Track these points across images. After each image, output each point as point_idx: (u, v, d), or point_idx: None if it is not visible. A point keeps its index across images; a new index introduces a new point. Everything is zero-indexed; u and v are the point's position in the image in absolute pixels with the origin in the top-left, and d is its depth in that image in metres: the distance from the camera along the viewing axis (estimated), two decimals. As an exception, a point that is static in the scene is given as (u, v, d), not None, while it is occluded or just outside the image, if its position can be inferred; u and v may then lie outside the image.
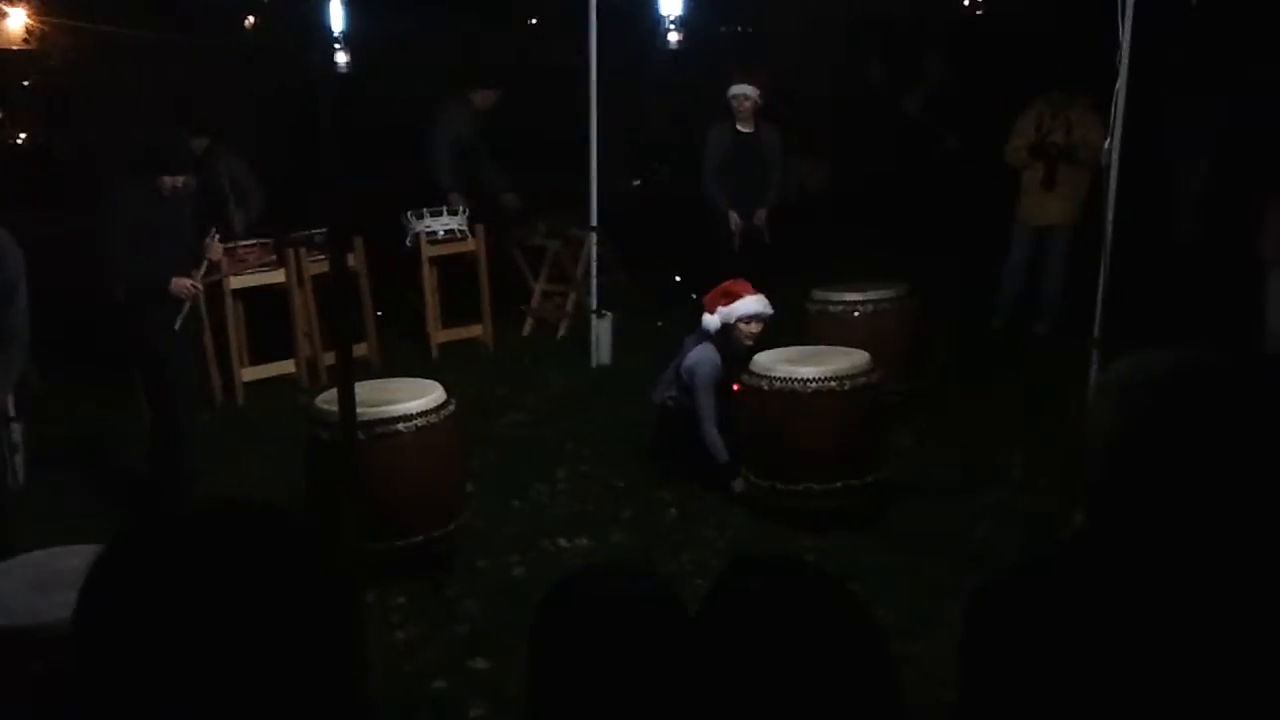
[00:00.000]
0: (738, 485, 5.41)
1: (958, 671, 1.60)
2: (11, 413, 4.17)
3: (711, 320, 5.56)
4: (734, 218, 7.52)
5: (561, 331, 8.44)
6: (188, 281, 5.27)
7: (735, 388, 5.44)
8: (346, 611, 1.19)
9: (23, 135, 11.04)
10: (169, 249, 5.22)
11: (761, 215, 7.54)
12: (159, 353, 5.22)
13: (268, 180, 7.77)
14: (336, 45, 9.24)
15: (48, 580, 2.92)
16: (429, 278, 8.04)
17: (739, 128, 7.42)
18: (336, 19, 9.78)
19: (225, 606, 1.08)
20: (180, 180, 5.17)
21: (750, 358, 5.43)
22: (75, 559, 2.90)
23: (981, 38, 11.39)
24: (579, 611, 1.59)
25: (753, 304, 5.53)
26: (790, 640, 1.48)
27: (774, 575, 1.59)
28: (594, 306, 7.77)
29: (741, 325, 5.52)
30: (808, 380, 5.08)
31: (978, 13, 13.41)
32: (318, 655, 1.13)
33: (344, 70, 10.29)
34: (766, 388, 5.15)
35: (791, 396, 5.09)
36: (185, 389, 5.35)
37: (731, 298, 5.55)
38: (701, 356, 5.55)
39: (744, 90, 7.28)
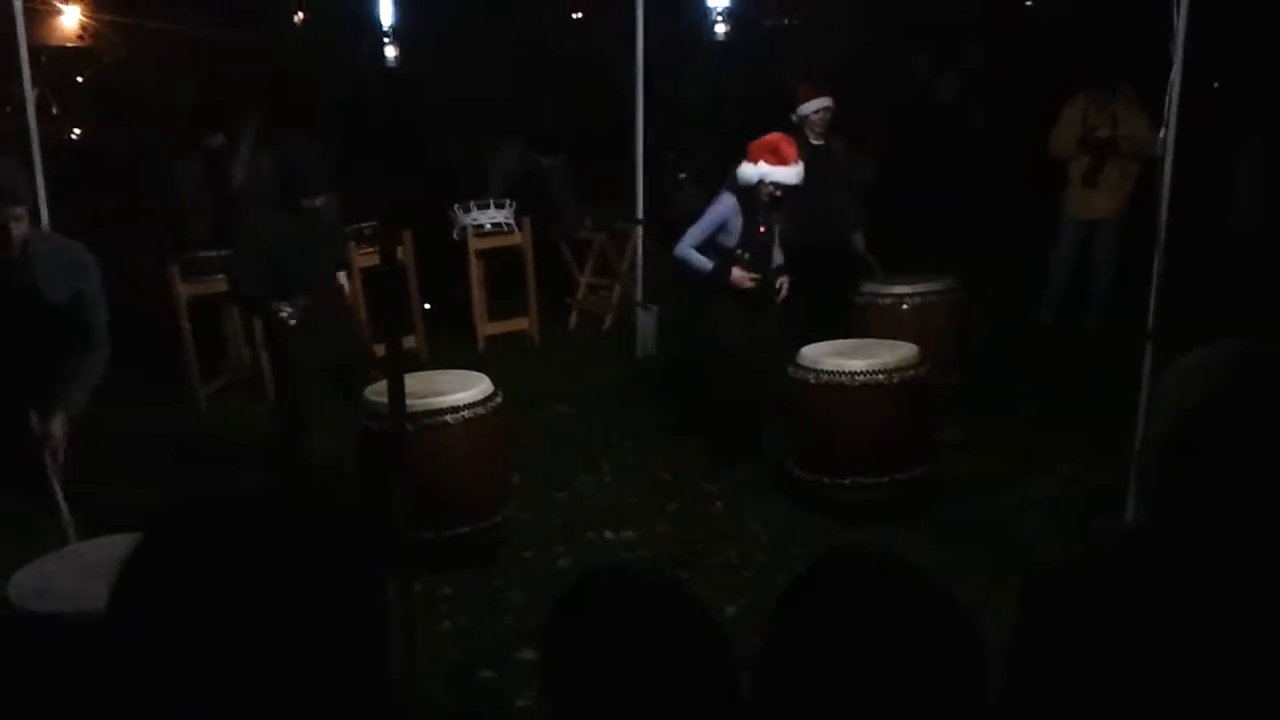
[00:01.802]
0: (736, 273, 5.57)
1: (1005, 657, 1.58)
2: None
3: (750, 171, 5.59)
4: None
5: (607, 324, 8.45)
6: (288, 312, 5.20)
7: (762, 230, 5.65)
8: (379, 608, 1.19)
9: (77, 131, 11.18)
10: (303, 267, 5.22)
11: (860, 240, 6.99)
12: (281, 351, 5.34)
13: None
14: (386, 39, 9.28)
15: (100, 567, 2.95)
16: (476, 270, 8.08)
17: (812, 141, 6.91)
18: (386, 13, 9.84)
19: (255, 600, 1.08)
20: (319, 200, 5.19)
21: (768, 212, 5.62)
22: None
23: (1029, 29, 11.28)
24: (592, 619, 1.55)
25: (793, 175, 5.59)
26: (884, 635, 1.42)
27: (870, 568, 1.53)
28: (639, 299, 7.77)
29: (771, 187, 5.58)
30: (855, 373, 5.05)
31: (1027, 3, 13.29)
32: (348, 651, 1.13)
33: (393, 64, 10.34)
34: (814, 380, 5.13)
35: (839, 390, 5.07)
36: (306, 385, 5.28)
37: (778, 158, 5.58)
38: (721, 199, 5.69)
39: (826, 103, 6.80)
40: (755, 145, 5.63)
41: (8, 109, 8.81)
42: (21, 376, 3.84)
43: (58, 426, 3.97)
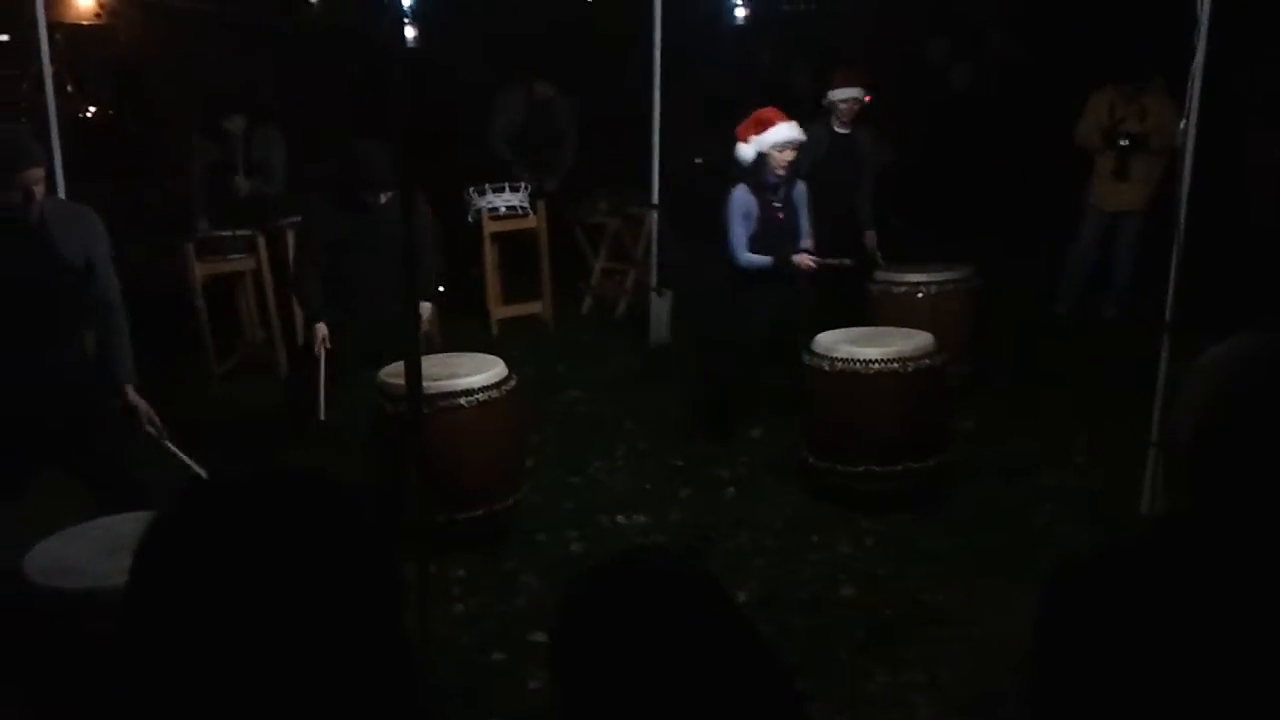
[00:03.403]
0: (798, 258, 5.62)
1: (1030, 650, 1.57)
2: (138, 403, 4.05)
3: (746, 150, 5.58)
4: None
5: (620, 309, 8.44)
6: (323, 335, 5.32)
7: (781, 216, 5.64)
8: (393, 581, 1.20)
9: (91, 109, 11.19)
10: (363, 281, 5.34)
11: (872, 238, 6.81)
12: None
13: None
14: (405, 20, 9.24)
15: (118, 544, 2.96)
16: (490, 254, 8.07)
17: (836, 129, 6.77)
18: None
19: (272, 574, 1.09)
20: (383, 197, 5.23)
21: (787, 190, 5.59)
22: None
23: (1052, 13, 11.19)
24: (606, 602, 1.48)
25: (787, 131, 5.55)
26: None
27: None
28: (653, 284, 7.76)
29: (775, 153, 5.54)
30: (870, 361, 5.03)
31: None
32: (363, 623, 1.13)
33: (412, 45, 10.30)
34: (828, 368, 5.11)
35: (853, 377, 5.05)
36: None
37: (764, 125, 5.56)
38: (730, 196, 5.66)
39: (854, 94, 6.65)
40: (740, 128, 5.65)
41: (25, 86, 8.82)
42: (49, 343, 3.84)
43: (135, 397, 4.01)
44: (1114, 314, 7.87)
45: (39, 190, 3.67)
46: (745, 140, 5.58)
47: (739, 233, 5.64)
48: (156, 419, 4.04)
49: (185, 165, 7.52)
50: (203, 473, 3.95)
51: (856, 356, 5.07)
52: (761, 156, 5.56)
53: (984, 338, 6.41)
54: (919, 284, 6.27)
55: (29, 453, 3.87)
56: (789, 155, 5.58)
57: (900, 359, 5.03)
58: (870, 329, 5.54)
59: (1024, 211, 8.56)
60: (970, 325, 6.29)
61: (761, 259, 5.64)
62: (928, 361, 5.08)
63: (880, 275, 6.41)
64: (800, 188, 5.81)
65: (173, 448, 4.04)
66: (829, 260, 5.74)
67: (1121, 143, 7.64)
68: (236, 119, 7.41)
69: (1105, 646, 1.47)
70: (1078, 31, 9.49)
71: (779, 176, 5.61)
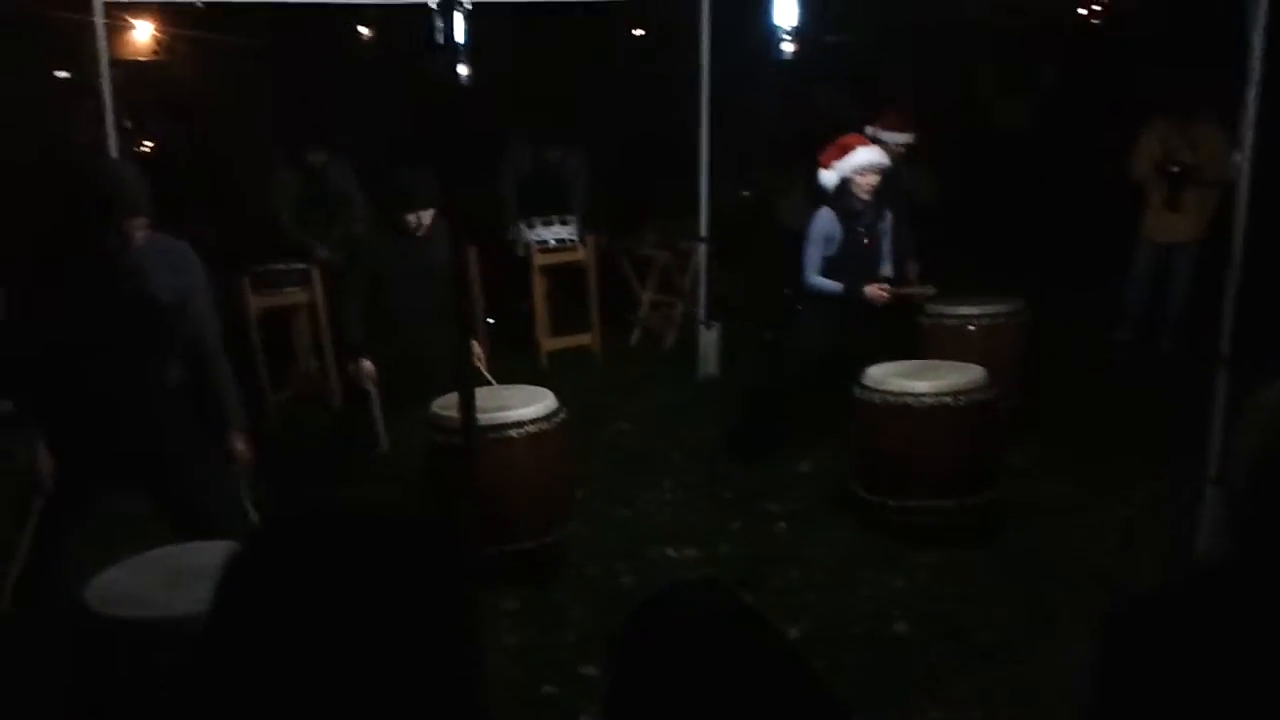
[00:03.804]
0: (870, 290, 5.64)
1: (1090, 694, 1.55)
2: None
3: (829, 176, 5.62)
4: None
5: (669, 342, 8.45)
6: (369, 370, 5.34)
7: (867, 242, 5.67)
8: (472, 615, 1.21)
9: (149, 144, 11.36)
10: (407, 304, 5.37)
11: (914, 268, 6.65)
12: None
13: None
14: (459, 57, 9.31)
15: (181, 574, 3.00)
16: (539, 286, 8.12)
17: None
18: (459, 31, 9.89)
19: (354, 607, 1.10)
20: (426, 217, 5.26)
21: (873, 217, 5.62)
22: (208, 555, 2.97)
23: (1098, 46, 11.15)
24: (657, 639, 1.49)
25: (869, 154, 5.60)
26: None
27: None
28: (702, 317, 7.76)
29: (858, 178, 5.57)
30: (922, 395, 5.00)
31: (1094, 22, 13.16)
32: (442, 658, 1.14)
33: (465, 81, 10.41)
34: (879, 402, 5.09)
35: (905, 411, 5.02)
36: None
37: (846, 150, 5.60)
38: (814, 218, 5.70)
39: (904, 138, 6.47)
40: (823, 155, 5.68)
41: (83, 121, 8.98)
42: (138, 378, 3.89)
43: (242, 445, 4.06)
44: (1169, 347, 7.78)
45: (140, 235, 3.70)
46: (828, 167, 5.63)
47: (813, 255, 5.69)
48: (251, 469, 4.06)
49: (273, 194, 7.63)
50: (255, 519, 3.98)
51: (909, 390, 5.04)
52: (845, 182, 5.61)
53: (1038, 371, 6.35)
54: (970, 317, 6.23)
55: (108, 482, 3.93)
56: (872, 179, 5.60)
57: (953, 392, 5.00)
58: (921, 362, 5.51)
59: (1079, 244, 8.50)
60: (1021, 358, 6.24)
61: (831, 284, 5.67)
62: (980, 395, 5.04)
63: (931, 308, 6.38)
64: (888, 217, 5.83)
65: (244, 495, 4.06)
66: (903, 290, 5.76)
67: (1172, 169, 7.60)
68: (319, 152, 7.53)
69: (1164, 691, 1.46)
70: (1130, 64, 9.44)
71: (864, 202, 5.64)
